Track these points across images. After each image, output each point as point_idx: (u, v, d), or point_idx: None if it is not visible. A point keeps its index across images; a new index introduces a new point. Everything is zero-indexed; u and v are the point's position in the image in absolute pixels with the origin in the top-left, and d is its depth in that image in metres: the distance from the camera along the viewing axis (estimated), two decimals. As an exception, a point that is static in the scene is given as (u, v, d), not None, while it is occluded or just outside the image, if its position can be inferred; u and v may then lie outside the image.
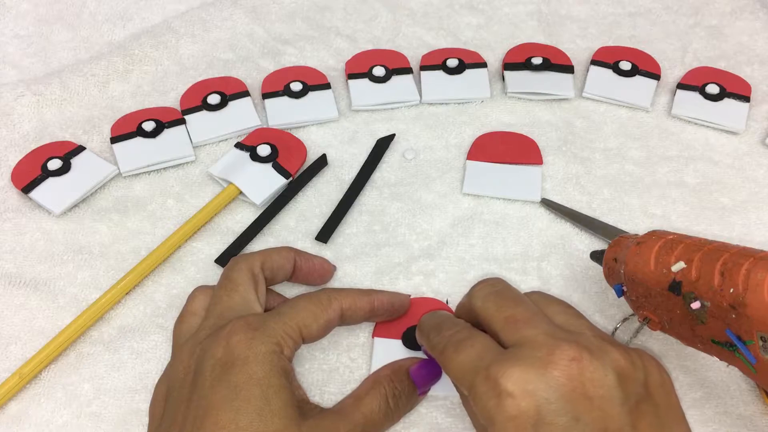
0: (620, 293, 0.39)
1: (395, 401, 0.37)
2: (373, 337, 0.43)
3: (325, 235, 0.49)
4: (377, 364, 0.41)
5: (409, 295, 0.44)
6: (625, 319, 0.42)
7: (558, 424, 0.28)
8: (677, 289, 0.35)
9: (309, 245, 0.49)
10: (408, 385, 0.38)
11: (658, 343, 0.44)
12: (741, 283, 0.32)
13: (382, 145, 0.53)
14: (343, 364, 0.43)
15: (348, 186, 0.52)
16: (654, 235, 0.38)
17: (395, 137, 0.55)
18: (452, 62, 0.58)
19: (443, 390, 0.41)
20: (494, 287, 0.35)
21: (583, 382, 0.29)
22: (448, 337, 0.34)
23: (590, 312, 0.45)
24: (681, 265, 0.35)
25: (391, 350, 0.42)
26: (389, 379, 0.38)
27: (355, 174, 0.53)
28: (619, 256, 0.39)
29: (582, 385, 0.29)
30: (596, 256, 0.43)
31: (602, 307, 0.45)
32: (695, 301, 0.34)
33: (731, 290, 0.32)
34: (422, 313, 0.44)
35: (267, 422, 0.31)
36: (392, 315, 0.42)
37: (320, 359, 0.43)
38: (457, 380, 0.32)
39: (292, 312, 0.36)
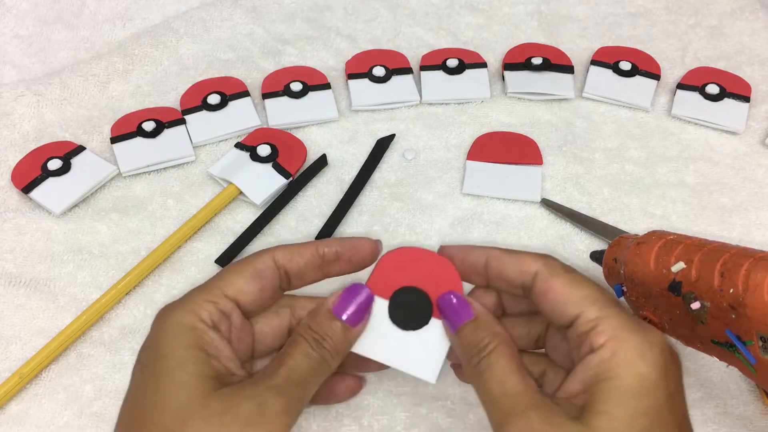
0: (620, 293, 0.39)
1: (319, 345, 0.33)
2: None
3: (324, 235, 0.49)
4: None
5: (376, 240, 0.37)
6: None
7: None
8: (677, 289, 0.35)
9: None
10: (331, 325, 0.34)
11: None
12: (741, 283, 0.32)
13: (382, 145, 0.53)
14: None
15: (348, 186, 0.52)
16: (654, 235, 0.38)
17: (395, 137, 0.55)
18: (452, 62, 0.58)
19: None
20: (569, 273, 0.33)
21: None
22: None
23: (590, 312, 0.45)
24: (681, 265, 0.35)
25: (379, 314, 0.35)
26: (306, 326, 0.34)
27: (355, 174, 0.53)
28: (619, 256, 0.39)
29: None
30: (596, 256, 0.43)
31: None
32: (695, 301, 0.34)
33: (731, 290, 0.32)
34: (422, 270, 0.36)
35: (167, 395, 0.30)
36: (357, 264, 0.36)
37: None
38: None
39: (216, 277, 0.34)
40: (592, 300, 0.31)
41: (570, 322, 0.31)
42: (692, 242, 0.36)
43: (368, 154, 0.53)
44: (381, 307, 0.35)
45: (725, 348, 0.33)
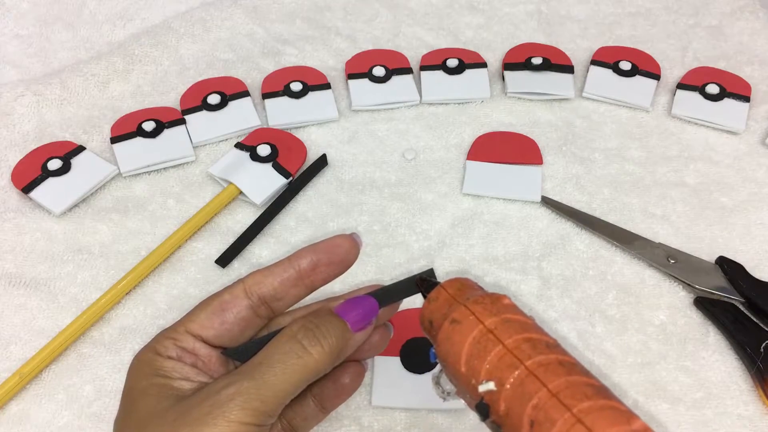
0: (434, 358, 0.31)
1: (308, 334, 0.31)
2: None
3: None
4: (378, 384, 0.41)
5: (350, 234, 0.34)
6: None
7: None
8: (484, 412, 0.27)
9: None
10: (330, 320, 0.32)
11: (657, 343, 0.44)
12: None
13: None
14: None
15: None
16: (475, 308, 0.29)
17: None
18: (452, 62, 0.58)
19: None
20: None
21: None
22: None
23: (590, 312, 0.45)
24: (490, 386, 0.26)
25: (392, 369, 0.42)
26: (297, 321, 0.32)
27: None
28: (435, 320, 0.30)
29: None
30: (424, 284, 0.33)
31: (602, 308, 0.45)
32: None
33: None
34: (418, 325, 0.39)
35: (132, 418, 0.30)
36: (338, 265, 0.34)
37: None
38: None
39: (188, 312, 0.33)
40: None
41: None
42: (513, 346, 0.27)
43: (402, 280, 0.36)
44: (393, 362, 0.42)
45: None
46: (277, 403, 0.29)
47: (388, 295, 0.33)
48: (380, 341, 0.35)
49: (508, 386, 0.26)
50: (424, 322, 0.31)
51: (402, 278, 0.33)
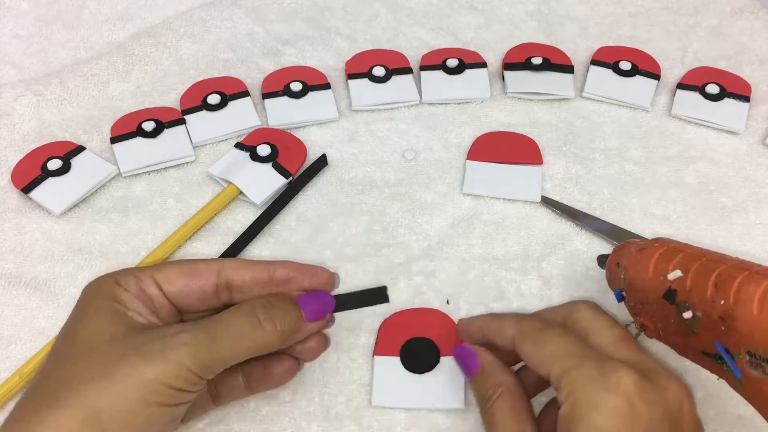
0: (620, 298, 0.39)
1: (265, 312, 0.33)
2: (373, 356, 0.43)
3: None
4: (378, 383, 0.41)
5: (333, 272, 0.37)
6: (626, 326, 0.42)
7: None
8: (672, 297, 0.34)
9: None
10: (288, 306, 0.34)
11: (657, 344, 0.44)
12: (732, 295, 0.31)
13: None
14: (343, 363, 0.43)
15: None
16: (657, 242, 0.37)
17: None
18: (452, 62, 0.58)
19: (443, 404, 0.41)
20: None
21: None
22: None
23: (590, 312, 0.45)
24: (677, 273, 0.34)
25: (392, 369, 0.42)
26: (259, 297, 0.35)
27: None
28: (622, 261, 0.39)
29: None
30: (602, 260, 0.43)
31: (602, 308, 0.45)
32: (688, 310, 0.33)
33: (722, 302, 0.31)
34: (420, 323, 0.43)
35: (79, 331, 0.32)
36: (314, 285, 0.37)
37: (320, 359, 0.43)
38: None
39: (155, 264, 0.35)
40: (554, 358, 0.33)
41: (547, 380, 0.33)
42: (693, 252, 0.35)
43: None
44: (393, 362, 0.42)
45: (715, 360, 0.33)
46: (221, 362, 0.32)
47: (347, 300, 0.37)
48: (316, 347, 0.37)
49: (694, 270, 0.33)
50: (611, 265, 0.40)
51: (365, 288, 0.37)
